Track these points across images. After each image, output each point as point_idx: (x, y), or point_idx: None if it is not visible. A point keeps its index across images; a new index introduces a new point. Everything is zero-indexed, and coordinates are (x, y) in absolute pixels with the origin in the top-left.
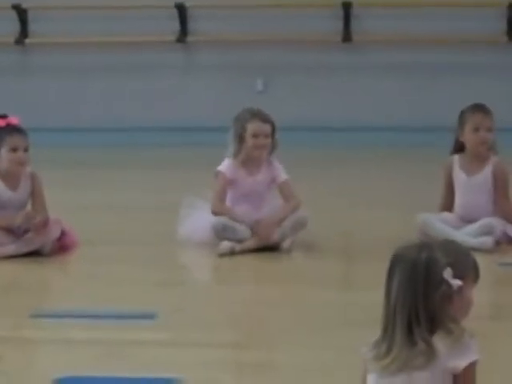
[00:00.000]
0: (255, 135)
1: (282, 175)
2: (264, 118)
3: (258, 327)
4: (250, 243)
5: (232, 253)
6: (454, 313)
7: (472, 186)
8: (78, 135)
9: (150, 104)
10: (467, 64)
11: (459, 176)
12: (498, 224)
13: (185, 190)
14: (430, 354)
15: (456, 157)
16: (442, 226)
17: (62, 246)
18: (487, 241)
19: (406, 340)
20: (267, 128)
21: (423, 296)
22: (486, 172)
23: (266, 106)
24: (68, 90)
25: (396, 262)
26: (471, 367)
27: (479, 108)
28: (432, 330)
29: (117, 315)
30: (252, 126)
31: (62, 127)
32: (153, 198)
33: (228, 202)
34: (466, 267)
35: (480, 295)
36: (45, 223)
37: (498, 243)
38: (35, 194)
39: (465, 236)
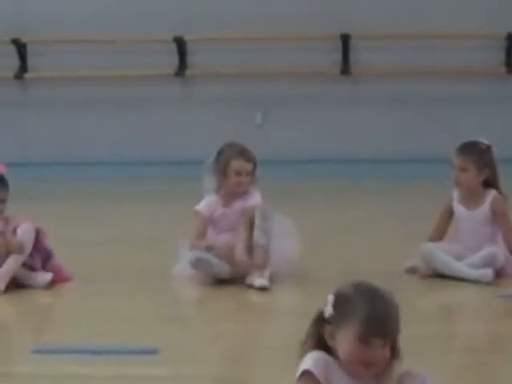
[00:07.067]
0: (238, 173)
1: (253, 201)
2: (248, 157)
3: (257, 362)
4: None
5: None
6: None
7: (472, 219)
8: (75, 169)
9: (149, 138)
10: (466, 95)
11: (459, 209)
12: (501, 254)
13: (182, 223)
14: None
15: (455, 191)
16: (445, 256)
17: (56, 282)
18: (487, 273)
19: None
20: (250, 167)
21: None
22: (485, 207)
23: (265, 139)
24: (67, 123)
25: None
26: (301, 376)
27: (457, 149)
28: None
29: (116, 350)
30: (236, 164)
31: (61, 161)
32: (150, 231)
33: (210, 236)
34: (355, 315)
35: (480, 327)
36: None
37: (500, 274)
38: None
39: (466, 267)
